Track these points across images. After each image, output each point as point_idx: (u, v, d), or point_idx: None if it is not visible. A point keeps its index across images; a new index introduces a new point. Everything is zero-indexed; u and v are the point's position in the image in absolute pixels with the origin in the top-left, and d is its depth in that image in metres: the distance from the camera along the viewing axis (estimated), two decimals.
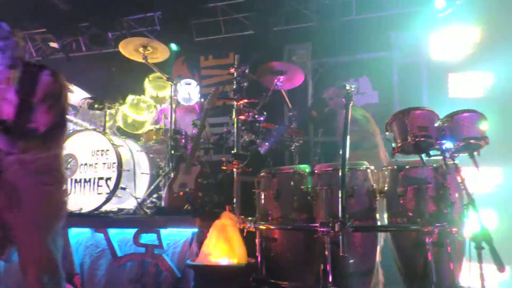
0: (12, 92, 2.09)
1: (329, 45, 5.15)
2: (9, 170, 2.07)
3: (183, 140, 4.14)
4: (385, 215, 2.65)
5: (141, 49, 4.32)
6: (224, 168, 3.51)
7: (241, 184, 3.39)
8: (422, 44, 4.66)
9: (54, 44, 5.90)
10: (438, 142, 2.36)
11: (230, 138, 4.14)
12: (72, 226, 3.25)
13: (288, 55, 5.40)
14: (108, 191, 3.61)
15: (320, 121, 4.04)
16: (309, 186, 2.80)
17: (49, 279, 2.08)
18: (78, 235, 3.23)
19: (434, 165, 2.48)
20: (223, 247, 2.74)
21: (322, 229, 2.28)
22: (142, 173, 3.97)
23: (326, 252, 2.33)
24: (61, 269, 2.17)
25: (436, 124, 2.40)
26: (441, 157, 2.34)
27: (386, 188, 2.63)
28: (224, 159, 3.60)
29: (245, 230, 2.96)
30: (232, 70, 3.87)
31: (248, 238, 2.93)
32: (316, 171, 2.78)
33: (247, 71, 3.92)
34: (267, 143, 3.67)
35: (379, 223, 2.65)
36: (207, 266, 2.64)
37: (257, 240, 2.92)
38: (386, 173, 2.68)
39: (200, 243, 2.97)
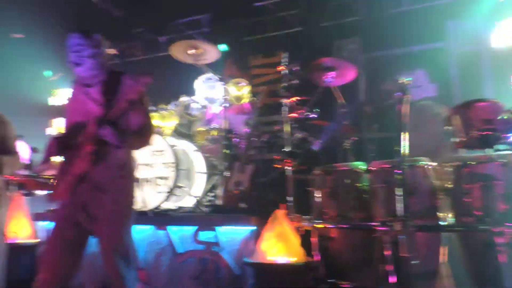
0: (99, 94, 2.35)
1: (380, 38, 5.01)
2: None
3: (236, 139, 4.20)
4: (450, 214, 2.55)
5: (191, 52, 4.44)
6: (277, 166, 3.54)
7: (294, 182, 3.40)
8: (483, 32, 4.41)
9: (111, 51, 6.22)
10: (504, 135, 2.25)
11: (281, 136, 4.16)
12: (135, 223, 3.40)
13: (338, 50, 5.32)
14: (166, 190, 3.75)
15: (375, 116, 3.96)
16: (366, 184, 2.76)
17: (125, 267, 2.29)
18: (142, 232, 3.40)
19: (502, 160, 2.35)
20: (280, 246, 2.77)
21: (382, 229, 2.25)
22: (198, 172, 4.08)
23: (387, 252, 2.29)
24: (134, 260, 2.38)
25: (502, 117, 2.29)
26: (509, 152, 2.23)
27: (450, 186, 2.53)
28: (276, 157, 3.62)
29: (302, 229, 2.97)
30: (281, 68, 3.89)
31: (304, 237, 2.95)
32: (372, 169, 2.74)
33: (296, 68, 3.92)
34: (319, 141, 3.66)
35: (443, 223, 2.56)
36: (266, 264, 2.69)
37: (313, 239, 2.92)
38: (449, 169, 2.58)
39: (257, 241, 3.03)
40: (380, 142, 4.05)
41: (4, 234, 2.88)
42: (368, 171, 2.80)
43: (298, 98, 3.80)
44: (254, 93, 4.67)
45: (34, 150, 4.62)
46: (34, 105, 6.36)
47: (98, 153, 2.28)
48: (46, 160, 2.36)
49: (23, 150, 4.56)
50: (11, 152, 2.69)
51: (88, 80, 2.39)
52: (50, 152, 2.34)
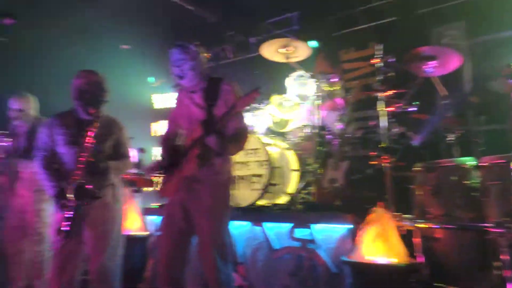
0: (201, 99, 2.53)
1: (487, 20, 4.55)
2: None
3: (329, 136, 4.15)
4: None
5: (281, 50, 4.48)
6: (373, 163, 3.41)
7: (393, 179, 3.25)
8: None
9: (206, 55, 6.55)
10: None
11: (378, 132, 4.01)
12: (233, 219, 3.54)
13: (437, 38, 4.95)
14: (261, 187, 3.82)
15: (482, 107, 3.61)
16: (476, 181, 2.53)
17: (222, 261, 2.39)
18: (239, 228, 3.51)
19: None
20: (380, 245, 2.67)
21: (497, 230, 2.04)
22: (291, 170, 4.10)
23: (503, 257, 2.07)
24: (231, 255, 2.48)
25: None
26: None
27: None
28: (372, 153, 3.50)
29: (402, 228, 2.83)
30: (375, 61, 3.74)
31: (404, 237, 2.80)
32: (484, 164, 2.50)
33: (392, 60, 3.74)
34: (420, 135, 3.44)
35: None
36: (365, 264, 2.61)
37: (416, 239, 2.76)
38: None
39: (354, 240, 2.95)
40: (489, 135, 3.69)
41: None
42: (478, 167, 2.56)
43: (395, 91, 3.63)
44: (346, 89, 4.56)
45: (141, 150, 5.04)
46: (139, 109, 6.94)
47: (204, 157, 2.41)
48: (161, 166, 2.61)
49: (131, 150, 5.02)
50: (125, 156, 2.92)
51: (191, 88, 2.58)
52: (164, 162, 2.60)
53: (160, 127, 7.16)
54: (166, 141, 2.68)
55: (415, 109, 3.52)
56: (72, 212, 2.53)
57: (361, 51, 5.37)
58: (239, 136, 2.52)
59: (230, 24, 6.57)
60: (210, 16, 6.37)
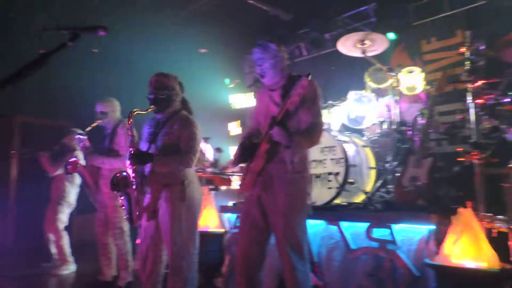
0: (279, 97, 2.54)
1: None
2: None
3: (410, 132, 3.92)
4: None
5: (358, 44, 4.33)
6: (461, 159, 3.15)
7: (484, 178, 2.97)
8: None
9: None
10: None
11: (465, 126, 3.69)
12: (308, 218, 3.49)
13: None
14: (337, 185, 3.73)
15: None
16: None
17: (298, 259, 2.39)
18: (314, 227, 3.45)
19: None
20: (467, 248, 2.44)
21: None
22: (369, 168, 3.94)
23: None
24: (307, 254, 2.45)
25: None
26: None
27: None
28: (460, 149, 3.23)
29: (494, 230, 2.57)
30: (463, 49, 3.45)
31: (496, 240, 2.54)
32: None
33: (482, 47, 3.42)
34: None
35: None
36: (451, 268, 2.41)
37: (511, 242, 2.49)
38: None
39: (438, 242, 2.74)
40: None
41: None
42: None
43: (485, 81, 3.32)
44: (428, 81, 4.27)
45: (218, 150, 5.19)
46: (217, 110, 7.17)
47: (271, 152, 2.44)
48: (233, 162, 2.70)
49: (209, 150, 5.19)
50: (185, 152, 2.84)
51: (272, 86, 2.61)
52: (236, 158, 2.66)
53: (236, 127, 7.33)
54: (244, 139, 2.73)
55: (509, 100, 3.18)
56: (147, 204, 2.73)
57: (445, 40, 4.99)
58: (312, 130, 2.48)
59: (305, 22, 6.52)
60: (285, 14, 6.37)
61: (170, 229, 2.76)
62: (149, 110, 2.89)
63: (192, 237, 2.87)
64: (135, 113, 2.87)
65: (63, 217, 4.95)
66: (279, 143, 2.42)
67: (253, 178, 2.51)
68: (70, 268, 4.91)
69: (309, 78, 2.36)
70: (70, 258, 4.93)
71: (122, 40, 5.56)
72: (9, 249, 6.34)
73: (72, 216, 5.13)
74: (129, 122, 2.87)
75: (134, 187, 2.77)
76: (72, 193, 5.03)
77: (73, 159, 4.32)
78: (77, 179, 5.03)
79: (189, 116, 3.00)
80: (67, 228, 5.03)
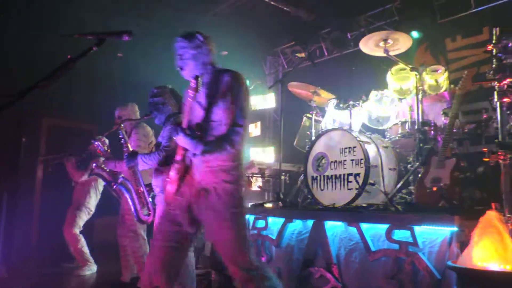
0: (203, 96, 2.28)
1: None
2: (196, 168, 2.28)
3: (432, 132, 3.82)
4: None
5: (381, 43, 4.26)
6: (487, 160, 3.04)
7: (510, 178, 2.86)
8: None
9: (301, 55, 6.54)
10: None
11: (491, 126, 3.58)
12: (327, 219, 3.45)
13: None
14: (357, 186, 3.67)
15: None
16: None
17: (246, 269, 2.21)
18: (333, 228, 3.40)
19: None
20: (491, 251, 2.35)
21: None
22: (389, 169, 3.86)
23: None
24: (254, 262, 2.25)
25: None
26: None
27: None
28: (485, 149, 3.12)
29: None
30: (490, 47, 3.34)
31: None
32: None
33: (510, 44, 3.30)
34: None
35: None
36: (475, 271, 2.32)
37: None
38: None
39: (461, 244, 2.66)
40: None
41: None
42: None
43: None
44: (452, 80, 4.16)
45: None
46: None
47: (185, 160, 2.28)
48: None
49: None
50: None
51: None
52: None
53: (255, 128, 7.34)
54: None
55: None
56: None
57: (471, 38, 4.86)
58: (225, 137, 2.21)
59: (327, 22, 6.47)
60: (307, 15, 6.34)
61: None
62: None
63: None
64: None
65: (80, 222, 5.07)
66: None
67: (176, 187, 2.30)
68: (91, 269, 5.02)
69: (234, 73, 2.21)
70: (91, 259, 5.04)
71: (146, 44, 5.65)
72: (32, 249, 6.54)
73: (94, 218, 5.24)
74: (114, 128, 3.12)
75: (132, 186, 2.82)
76: (93, 199, 5.15)
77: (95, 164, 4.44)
78: (101, 186, 5.15)
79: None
80: (89, 229, 5.14)
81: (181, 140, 2.19)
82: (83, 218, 5.09)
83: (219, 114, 2.24)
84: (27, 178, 6.88)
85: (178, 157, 2.31)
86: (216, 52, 2.41)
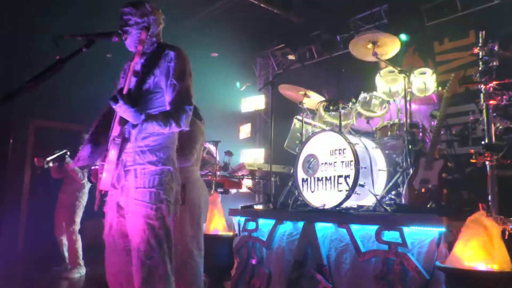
0: (139, 66, 2.18)
1: None
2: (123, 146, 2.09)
3: (421, 134, 3.87)
4: None
5: (370, 46, 4.30)
6: (474, 161, 3.08)
7: (496, 179, 2.91)
8: None
9: (291, 57, 6.56)
10: None
11: (478, 128, 3.63)
12: (318, 221, 3.47)
13: None
14: (347, 188, 3.70)
15: None
16: None
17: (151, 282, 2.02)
18: (324, 230, 3.42)
19: None
20: (478, 250, 2.39)
21: None
22: (379, 170, 3.90)
23: None
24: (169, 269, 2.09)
25: None
26: None
27: None
28: (472, 151, 3.17)
29: (507, 233, 2.51)
30: (476, 50, 3.39)
31: (508, 242, 2.48)
32: None
33: (496, 48, 3.36)
34: None
35: None
36: (463, 271, 2.35)
37: None
38: None
39: (449, 244, 2.69)
40: None
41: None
42: None
43: (498, 82, 3.26)
44: (440, 82, 4.22)
45: (228, 153, 5.19)
46: (227, 113, 7.20)
47: (124, 135, 2.07)
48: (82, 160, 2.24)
49: (217, 153, 5.20)
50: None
51: (134, 51, 2.23)
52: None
53: (247, 130, 7.35)
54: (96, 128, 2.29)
55: None
56: None
57: (458, 41, 4.93)
58: (168, 113, 2.06)
59: (316, 24, 6.51)
60: (296, 17, 6.37)
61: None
62: None
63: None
64: None
65: (78, 220, 5.02)
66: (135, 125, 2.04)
67: (112, 171, 2.07)
68: (81, 272, 4.98)
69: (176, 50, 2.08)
70: (82, 262, 4.99)
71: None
72: (19, 254, 6.45)
73: (82, 219, 5.20)
74: None
75: None
76: (86, 195, 5.10)
77: (94, 167, 4.38)
78: (88, 185, 5.11)
79: None
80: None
81: (122, 108, 1.96)
82: (80, 215, 5.04)
83: (154, 88, 2.12)
84: (14, 180, 6.80)
85: (115, 132, 2.08)
86: (163, 24, 2.32)
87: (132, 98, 2.01)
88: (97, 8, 5.54)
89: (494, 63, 3.34)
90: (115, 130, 2.09)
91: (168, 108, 2.12)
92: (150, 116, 2.03)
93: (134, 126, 2.05)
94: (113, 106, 1.98)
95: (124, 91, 2.04)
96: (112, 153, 2.06)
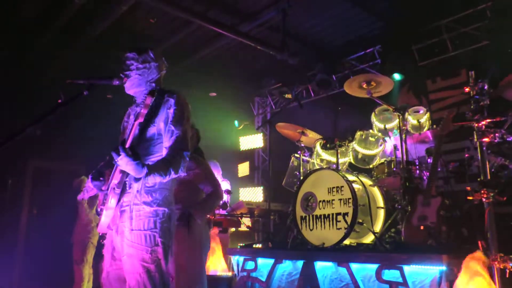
0: (143, 116, 2.16)
1: None
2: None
3: (417, 171, 3.91)
4: None
5: (364, 85, 4.41)
6: (471, 198, 3.10)
7: (494, 216, 2.92)
8: None
9: (288, 95, 6.71)
10: None
11: (473, 164, 3.68)
12: (317, 259, 3.44)
13: None
14: (346, 226, 3.68)
15: None
16: None
17: None
18: (324, 269, 3.38)
19: None
20: None
21: None
22: (377, 207, 3.90)
23: None
24: None
25: None
26: None
27: None
28: (468, 188, 3.20)
29: (508, 271, 2.49)
30: (467, 89, 3.49)
31: (510, 280, 2.46)
32: None
33: (486, 87, 3.46)
34: None
35: None
36: None
37: None
38: None
39: (450, 283, 2.67)
40: None
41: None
42: None
43: (490, 120, 3.33)
44: (434, 120, 4.30)
45: (226, 192, 5.18)
46: (226, 152, 7.25)
47: (125, 187, 2.09)
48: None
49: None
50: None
51: (137, 100, 2.28)
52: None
53: (242, 169, 7.38)
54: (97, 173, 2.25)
55: None
56: None
57: (450, 79, 5.07)
58: (165, 161, 2.06)
59: (312, 64, 6.69)
60: (292, 58, 6.56)
61: None
62: None
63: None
64: None
65: (89, 258, 4.90)
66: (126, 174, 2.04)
67: (111, 215, 2.08)
68: None
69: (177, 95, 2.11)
70: None
71: None
72: None
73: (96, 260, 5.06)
74: None
75: None
76: (96, 233, 5.01)
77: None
78: (96, 220, 5.04)
79: None
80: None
81: (124, 160, 1.90)
82: (89, 253, 4.89)
83: (154, 135, 2.14)
84: (11, 220, 6.73)
85: (116, 179, 2.07)
86: (165, 71, 2.34)
87: (133, 147, 1.99)
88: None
89: (485, 102, 3.42)
90: (116, 176, 2.08)
91: (165, 151, 2.12)
92: (151, 169, 2.00)
93: (136, 179, 2.04)
94: (115, 159, 1.92)
95: (127, 144, 2.05)
96: (112, 201, 2.07)
